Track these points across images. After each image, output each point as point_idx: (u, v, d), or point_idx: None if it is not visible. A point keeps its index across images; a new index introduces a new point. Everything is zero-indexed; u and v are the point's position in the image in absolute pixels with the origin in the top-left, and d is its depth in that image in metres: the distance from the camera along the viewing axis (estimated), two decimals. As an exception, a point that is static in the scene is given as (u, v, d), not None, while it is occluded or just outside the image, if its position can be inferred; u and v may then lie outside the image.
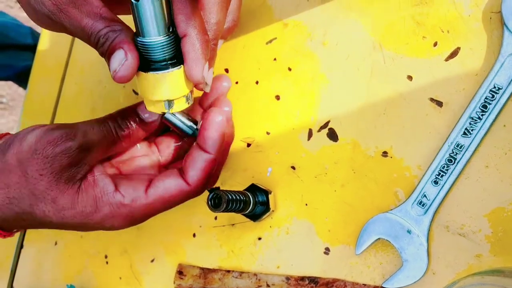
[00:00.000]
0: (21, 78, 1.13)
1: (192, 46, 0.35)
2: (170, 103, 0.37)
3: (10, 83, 1.79)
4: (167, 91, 0.36)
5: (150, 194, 0.39)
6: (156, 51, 0.35)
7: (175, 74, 0.36)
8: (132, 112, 0.41)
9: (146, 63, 0.35)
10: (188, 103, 0.38)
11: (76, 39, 0.59)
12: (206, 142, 0.39)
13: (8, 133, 0.41)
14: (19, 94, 2.00)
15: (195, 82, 0.37)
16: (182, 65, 0.36)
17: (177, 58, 0.36)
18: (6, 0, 2.15)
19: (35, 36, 1.11)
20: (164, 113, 0.38)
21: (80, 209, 0.38)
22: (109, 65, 0.35)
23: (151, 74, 0.35)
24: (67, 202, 0.37)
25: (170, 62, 0.36)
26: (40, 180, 0.37)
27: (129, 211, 0.38)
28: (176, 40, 0.36)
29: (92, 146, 0.38)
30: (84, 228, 0.40)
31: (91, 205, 0.38)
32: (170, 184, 0.39)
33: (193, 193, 0.40)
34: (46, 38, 0.62)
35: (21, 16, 2.14)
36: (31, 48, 1.08)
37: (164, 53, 0.35)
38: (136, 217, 0.39)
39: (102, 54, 0.36)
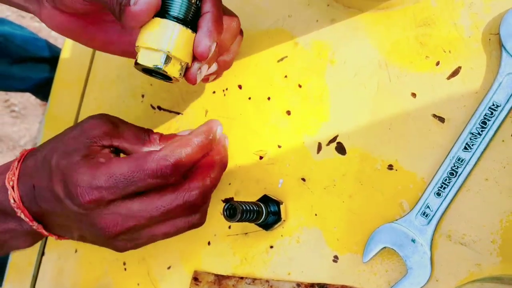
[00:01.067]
0: (38, 89, 1.16)
1: (209, 21, 0.38)
2: (167, 59, 0.37)
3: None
4: (172, 43, 0.37)
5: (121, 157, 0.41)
6: (178, 6, 0.37)
7: (186, 34, 0.38)
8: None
9: (164, 14, 0.37)
10: (180, 75, 0.39)
11: (96, 57, 0.62)
12: (194, 131, 0.42)
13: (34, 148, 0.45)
14: (31, 103, 2.03)
15: (199, 52, 0.38)
16: (194, 33, 0.38)
17: (192, 26, 0.38)
18: (17, 11, 2.20)
19: (51, 49, 1.14)
20: (155, 67, 0.38)
21: (74, 158, 0.40)
22: (125, 15, 0.36)
23: (165, 21, 0.37)
24: (73, 147, 0.41)
25: (185, 23, 0.38)
26: (70, 132, 0.43)
27: (97, 167, 0.39)
28: (197, 11, 0.38)
29: (121, 125, 0.43)
30: (68, 184, 0.39)
31: (81, 154, 0.40)
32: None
33: (158, 160, 0.38)
34: (67, 55, 0.65)
35: (32, 26, 2.18)
36: (47, 60, 1.11)
37: (184, 12, 0.38)
38: (102, 172, 0.38)
39: (120, 11, 0.37)
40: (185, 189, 0.40)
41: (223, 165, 0.44)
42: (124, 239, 0.41)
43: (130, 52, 0.45)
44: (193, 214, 0.42)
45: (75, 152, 0.40)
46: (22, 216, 0.42)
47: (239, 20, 0.44)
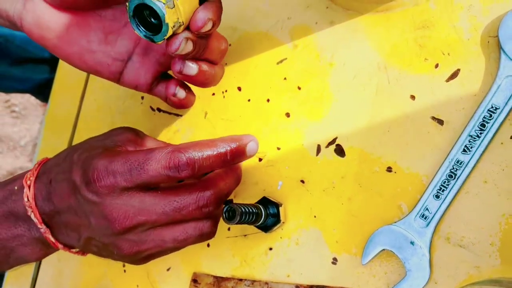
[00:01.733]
0: (38, 90, 1.15)
1: (213, 5, 0.40)
2: (172, 4, 0.37)
3: (22, 92, 1.82)
4: None
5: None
6: None
7: None
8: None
9: None
10: (173, 27, 0.38)
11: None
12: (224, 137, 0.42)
13: (47, 158, 0.46)
14: (31, 103, 2.03)
15: (196, 20, 0.39)
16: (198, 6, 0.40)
17: None
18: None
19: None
20: (157, 2, 0.37)
21: (97, 150, 0.41)
22: None
23: None
24: (97, 145, 0.42)
25: None
26: (95, 137, 0.45)
27: (116, 154, 0.40)
28: None
29: (145, 136, 0.46)
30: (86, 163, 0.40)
31: (104, 148, 0.41)
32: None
33: (173, 152, 0.38)
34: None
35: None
36: (48, 61, 1.11)
37: None
38: (119, 158, 0.39)
39: None
40: (199, 187, 0.40)
41: (238, 177, 0.45)
42: (131, 239, 0.40)
43: (103, 63, 0.46)
44: (204, 219, 0.41)
45: (99, 148, 0.41)
46: (32, 216, 0.42)
47: (227, 45, 0.46)
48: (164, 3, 0.36)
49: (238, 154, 0.41)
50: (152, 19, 0.39)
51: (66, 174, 0.41)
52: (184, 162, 0.38)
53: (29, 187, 0.42)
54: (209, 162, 0.39)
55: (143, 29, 0.39)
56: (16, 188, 0.43)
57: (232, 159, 0.41)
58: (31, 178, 0.43)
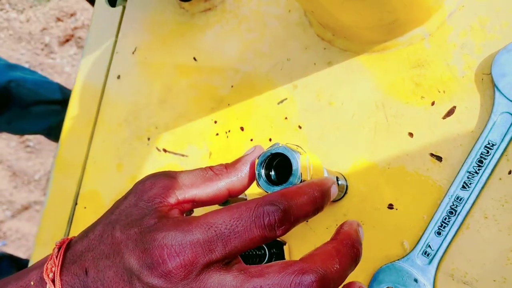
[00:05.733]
0: (50, 131, 1.18)
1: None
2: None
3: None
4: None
5: None
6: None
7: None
8: None
9: None
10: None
11: (103, 102, 0.64)
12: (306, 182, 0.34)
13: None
14: (45, 138, 2.07)
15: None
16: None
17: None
18: (33, 48, 2.26)
19: (63, 92, 1.17)
20: None
21: (148, 221, 0.32)
22: None
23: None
24: (139, 214, 0.33)
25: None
26: (123, 202, 0.35)
27: (188, 222, 0.31)
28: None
29: (178, 174, 0.36)
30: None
31: (155, 217, 0.32)
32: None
33: (264, 204, 0.30)
34: (76, 100, 0.67)
35: (46, 63, 2.24)
36: (60, 103, 1.14)
37: None
38: (198, 224, 0.31)
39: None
40: (296, 270, 0.29)
41: (354, 255, 0.32)
42: None
43: None
44: None
45: (146, 217, 0.31)
46: None
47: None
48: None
49: (327, 198, 0.34)
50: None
51: (112, 258, 0.31)
52: (279, 216, 0.30)
53: (53, 281, 0.31)
54: (304, 212, 0.31)
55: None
56: (32, 283, 0.33)
57: (322, 206, 0.33)
58: (53, 270, 0.32)
